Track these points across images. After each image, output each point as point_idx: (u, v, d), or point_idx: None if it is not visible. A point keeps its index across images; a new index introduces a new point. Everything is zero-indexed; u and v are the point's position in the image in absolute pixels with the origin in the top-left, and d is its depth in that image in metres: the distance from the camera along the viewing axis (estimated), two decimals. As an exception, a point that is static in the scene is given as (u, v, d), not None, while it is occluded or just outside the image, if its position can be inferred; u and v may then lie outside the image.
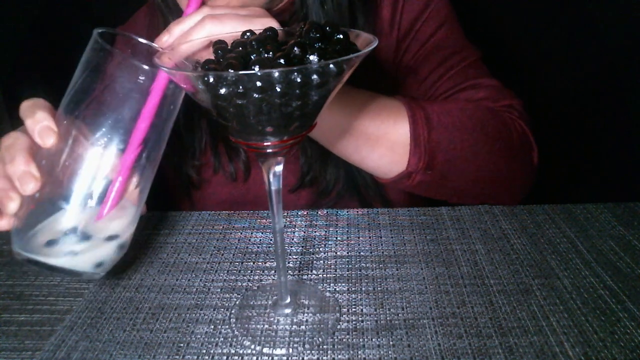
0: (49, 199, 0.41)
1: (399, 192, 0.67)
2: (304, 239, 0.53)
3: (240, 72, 0.30)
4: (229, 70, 0.31)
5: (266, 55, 0.33)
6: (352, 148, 0.53)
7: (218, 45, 0.36)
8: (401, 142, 0.52)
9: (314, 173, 0.64)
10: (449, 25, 0.64)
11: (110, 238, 0.42)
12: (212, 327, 0.42)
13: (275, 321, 0.42)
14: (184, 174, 0.67)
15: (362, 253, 0.51)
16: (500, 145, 0.55)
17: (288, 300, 0.43)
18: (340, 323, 0.42)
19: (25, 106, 0.41)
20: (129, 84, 0.40)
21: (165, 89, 0.40)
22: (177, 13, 0.59)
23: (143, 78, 0.40)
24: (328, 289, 0.46)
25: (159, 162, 0.44)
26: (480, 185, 0.56)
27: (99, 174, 0.41)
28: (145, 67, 0.39)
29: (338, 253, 0.51)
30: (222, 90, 0.30)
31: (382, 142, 0.52)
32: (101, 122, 0.40)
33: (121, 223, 0.43)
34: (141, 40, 0.43)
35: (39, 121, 0.39)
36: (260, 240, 0.54)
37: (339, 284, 0.46)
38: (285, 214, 0.58)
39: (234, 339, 0.40)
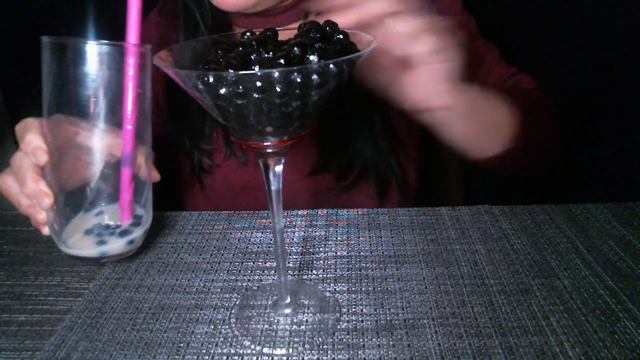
0: (68, 201, 0.46)
1: (414, 175, 0.71)
2: (304, 239, 0.53)
3: (240, 72, 0.30)
4: (229, 70, 0.31)
5: (266, 55, 0.33)
6: (466, 128, 0.55)
7: (218, 45, 0.36)
8: (504, 126, 0.56)
9: (331, 157, 0.64)
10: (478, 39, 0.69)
11: (135, 218, 0.47)
12: (212, 327, 0.42)
13: (275, 321, 0.42)
14: (195, 158, 0.68)
15: (362, 253, 0.51)
16: (550, 123, 0.66)
17: (288, 300, 0.43)
18: (340, 323, 0.42)
19: (18, 129, 0.45)
20: (91, 68, 0.41)
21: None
22: (204, 6, 0.62)
23: (103, 58, 0.41)
24: (328, 289, 0.46)
25: (151, 126, 0.47)
26: (540, 157, 0.66)
27: (103, 161, 0.45)
28: (101, 45, 0.41)
29: (338, 253, 0.51)
30: (222, 90, 0.30)
31: (491, 125, 0.56)
32: (87, 113, 0.43)
33: (139, 202, 0.48)
34: (90, 42, 0.42)
35: (29, 143, 0.43)
36: (260, 240, 0.54)
37: (339, 284, 0.46)
38: (285, 214, 0.58)
39: (234, 339, 0.40)
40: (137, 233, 0.47)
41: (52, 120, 0.43)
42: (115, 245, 0.46)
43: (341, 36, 0.34)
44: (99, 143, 0.44)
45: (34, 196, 0.44)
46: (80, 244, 0.45)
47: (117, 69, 0.42)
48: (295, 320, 0.42)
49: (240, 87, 0.30)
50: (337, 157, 0.65)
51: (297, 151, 0.65)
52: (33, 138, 0.43)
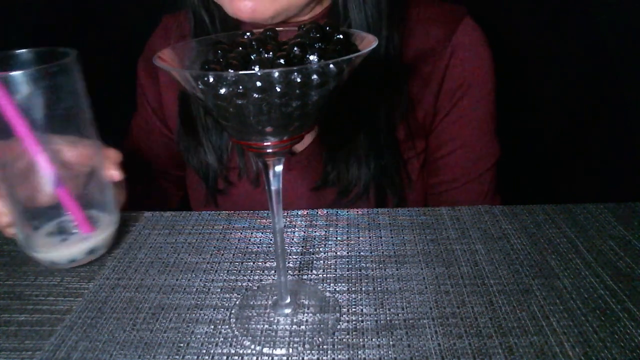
0: (31, 213, 0.49)
1: (416, 193, 0.70)
2: (304, 239, 0.53)
3: (240, 72, 0.30)
4: (229, 70, 0.31)
5: (266, 55, 0.33)
6: None
7: (218, 45, 0.36)
8: None
9: (337, 172, 0.65)
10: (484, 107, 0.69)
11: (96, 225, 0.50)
12: (212, 327, 0.42)
13: (275, 321, 0.42)
14: (211, 177, 0.68)
15: (362, 253, 0.51)
16: None
17: (288, 300, 0.43)
18: (340, 323, 0.42)
19: None
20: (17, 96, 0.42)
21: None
22: (220, 24, 0.62)
23: None
24: (328, 289, 0.46)
25: (87, 121, 0.48)
26: None
27: (38, 173, 0.46)
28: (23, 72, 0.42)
29: (338, 253, 0.51)
30: (222, 90, 0.30)
31: None
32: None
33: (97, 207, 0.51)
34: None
35: None
36: (260, 240, 0.54)
37: (339, 284, 0.46)
38: (285, 214, 0.58)
39: (234, 339, 0.40)
40: (97, 238, 0.49)
41: (6, 141, 0.45)
42: (78, 251, 0.48)
43: (341, 36, 0.34)
44: (53, 157, 0.46)
45: None
46: (46, 248, 0.48)
47: (42, 87, 0.43)
48: (295, 320, 0.42)
49: (240, 87, 0.30)
50: (341, 172, 0.64)
51: (304, 166, 0.66)
52: None
